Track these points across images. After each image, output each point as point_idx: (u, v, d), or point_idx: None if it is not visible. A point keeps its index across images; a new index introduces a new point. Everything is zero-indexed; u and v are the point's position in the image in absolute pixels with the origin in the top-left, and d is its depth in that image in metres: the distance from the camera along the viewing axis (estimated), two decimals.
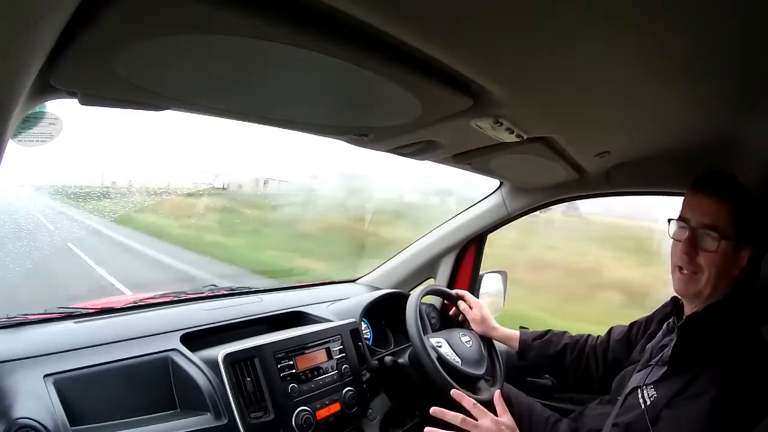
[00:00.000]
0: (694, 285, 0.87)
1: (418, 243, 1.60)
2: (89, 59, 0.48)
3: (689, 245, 0.86)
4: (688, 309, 0.92)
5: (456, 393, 0.97)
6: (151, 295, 1.15)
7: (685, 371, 0.83)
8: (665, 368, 0.86)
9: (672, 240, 0.92)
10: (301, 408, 0.96)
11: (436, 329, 1.43)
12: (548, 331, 1.23)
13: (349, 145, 0.97)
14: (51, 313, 0.96)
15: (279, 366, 0.97)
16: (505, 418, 0.93)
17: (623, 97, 0.73)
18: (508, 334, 1.26)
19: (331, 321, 1.19)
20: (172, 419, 0.83)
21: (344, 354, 1.11)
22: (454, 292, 1.32)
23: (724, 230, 0.83)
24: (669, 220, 0.92)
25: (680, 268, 0.88)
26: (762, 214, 0.87)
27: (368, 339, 1.33)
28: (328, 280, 1.58)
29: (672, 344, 0.89)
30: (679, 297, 0.95)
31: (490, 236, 1.61)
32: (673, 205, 0.98)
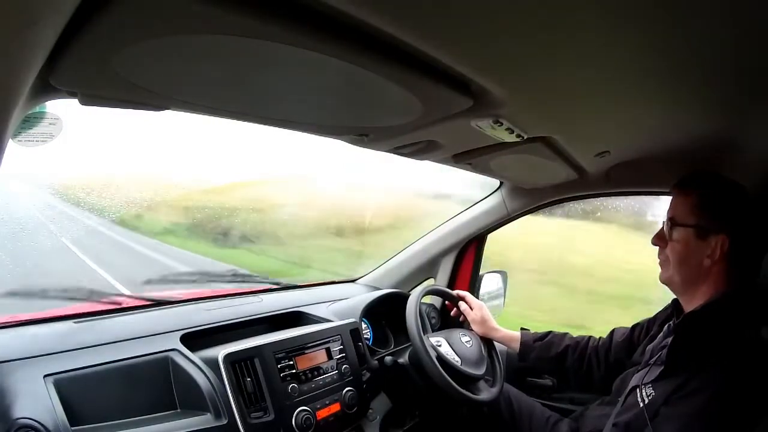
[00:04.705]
0: (664, 273, 0.95)
1: (418, 243, 1.59)
2: (89, 59, 0.48)
3: (655, 237, 0.96)
4: (686, 308, 0.93)
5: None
6: (151, 295, 1.15)
7: (682, 370, 0.83)
8: (662, 367, 0.86)
9: None
10: (301, 408, 0.96)
11: (436, 329, 1.43)
12: (549, 332, 1.23)
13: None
14: (51, 313, 0.96)
15: (279, 366, 0.97)
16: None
17: (623, 97, 0.73)
18: (509, 335, 1.26)
19: (331, 321, 1.19)
20: (172, 419, 0.83)
21: (344, 354, 1.11)
22: (455, 292, 1.32)
23: (681, 219, 0.91)
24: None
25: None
26: (732, 201, 0.90)
27: (368, 339, 1.33)
28: (328, 280, 1.58)
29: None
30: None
31: None
32: None
